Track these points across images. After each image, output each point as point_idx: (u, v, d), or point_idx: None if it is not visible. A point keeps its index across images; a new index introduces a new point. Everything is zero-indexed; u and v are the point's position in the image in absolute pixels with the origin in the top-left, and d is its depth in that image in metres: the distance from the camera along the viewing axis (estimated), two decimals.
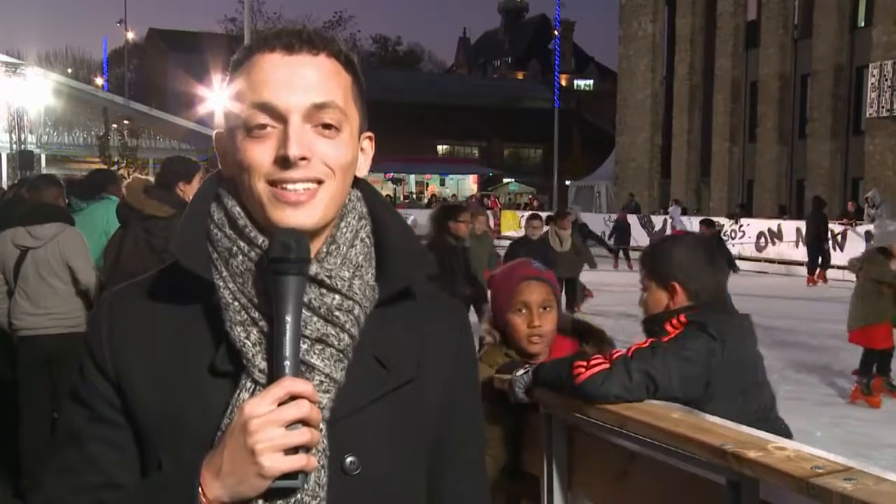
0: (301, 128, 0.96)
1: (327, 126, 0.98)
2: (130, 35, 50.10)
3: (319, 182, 0.98)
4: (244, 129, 0.98)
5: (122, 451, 1.01)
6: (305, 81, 0.97)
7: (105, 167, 6.10)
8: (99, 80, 47.36)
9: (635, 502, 2.19)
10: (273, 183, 0.97)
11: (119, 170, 19.29)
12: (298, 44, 0.98)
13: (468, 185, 51.46)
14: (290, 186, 0.96)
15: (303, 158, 0.96)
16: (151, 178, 4.64)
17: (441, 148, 55.95)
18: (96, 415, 1.01)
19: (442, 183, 51.66)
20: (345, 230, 1.04)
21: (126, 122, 22.43)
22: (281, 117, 0.96)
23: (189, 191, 4.33)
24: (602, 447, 2.29)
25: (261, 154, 0.97)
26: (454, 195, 44.06)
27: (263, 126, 0.97)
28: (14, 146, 18.96)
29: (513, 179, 49.43)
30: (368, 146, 1.08)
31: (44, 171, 19.30)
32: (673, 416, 2.04)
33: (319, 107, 0.97)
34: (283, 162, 0.95)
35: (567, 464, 2.40)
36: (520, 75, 78.14)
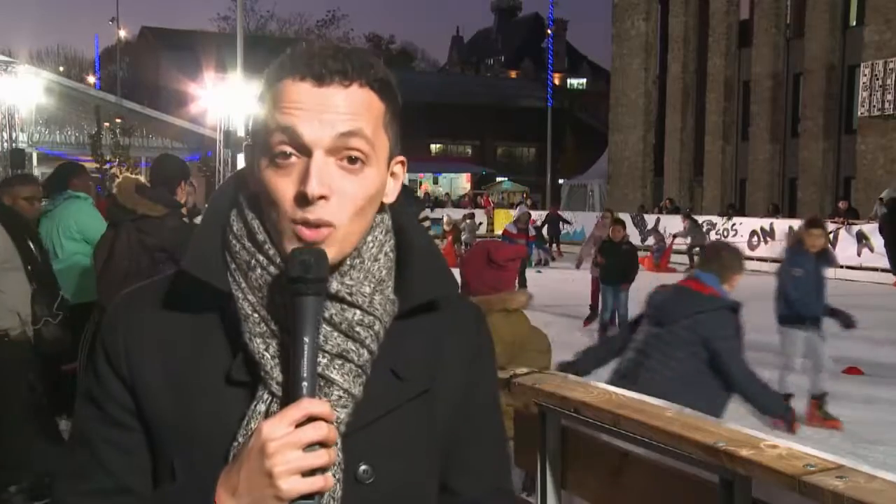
0: (324, 162, 0.94)
1: (352, 160, 0.96)
2: (123, 33, 49.84)
3: (335, 226, 0.95)
4: (269, 155, 0.96)
5: (134, 455, 1.00)
6: (334, 112, 0.95)
7: (71, 161, 5.96)
8: (91, 79, 47.19)
9: (629, 501, 2.20)
10: (293, 221, 0.95)
11: (111, 168, 19.23)
12: (329, 74, 0.95)
13: (461, 183, 51.41)
14: (306, 226, 0.95)
15: (322, 197, 0.94)
16: (142, 178, 4.62)
17: (434, 147, 55.83)
18: (109, 417, 1.01)
19: (435, 181, 51.58)
20: (371, 244, 1.02)
21: (118, 120, 22.34)
22: (305, 149, 0.95)
23: (184, 189, 4.33)
24: (596, 446, 2.29)
25: (283, 188, 0.95)
26: (447, 194, 44.02)
27: (287, 155, 0.95)
28: (5, 144, 18.89)
29: (506, 178, 49.35)
30: (399, 171, 1.05)
31: (35, 170, 19.26)
32: (666, 415, 2.04)
33: (346, 135, 0.95)
34: (302, 199, 0.94)
35: (561, 462, 2.41)
36: (513, 74, 78.10)
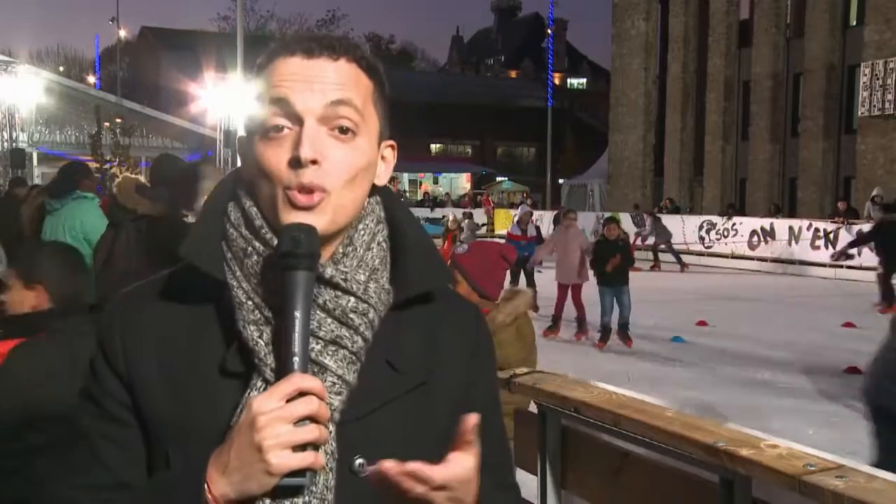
0: (315, 130, 0.97)
1: (343, 130, 0.98)
2: (123, 33, 49.80)
3: (328, 191, 0.97)
4: (261, 131, 0.99)
5: (131, 450, 1.01)
6: (324, 82, 0.98)
7: (78, 161, 5.94)
8: (91, 79, 47.17)
9: (629, 501, 2.20)
10: (286, 188, 0.97)
11: (111, 168, 19.24)
12: (318, 49, 0.99)
13: (461, 183, 51.43)
14: (300, 191, 0.96)
15: (314, 162, 0.96)
16: (142, 178, 4.62)
17: (434, 146, 55.88)
18: (106, 414, 1.02)
19: (435, 181, 51.60)
20: (362, 232, 1.04)
21: (118, 120, 22.37)
22: (297, 118, 0.97)
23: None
24: (596, 446, 2.29)
25: (276, 158, 0.97)
26: (447, 193, 44.03)
27: (280, 128, 0.97)
28: (5, 144, 18.91)
29: (506, 178, 49.39)
30: (390, 154, 1.08)
31: (35, 170, 19.28)
32: (667, 415, 2.04)
33: (336, 104, 0.97)
34: (295, 163, 0.95)
35: (561, 462, 2.41)
36: (513, 74, 78.15)
